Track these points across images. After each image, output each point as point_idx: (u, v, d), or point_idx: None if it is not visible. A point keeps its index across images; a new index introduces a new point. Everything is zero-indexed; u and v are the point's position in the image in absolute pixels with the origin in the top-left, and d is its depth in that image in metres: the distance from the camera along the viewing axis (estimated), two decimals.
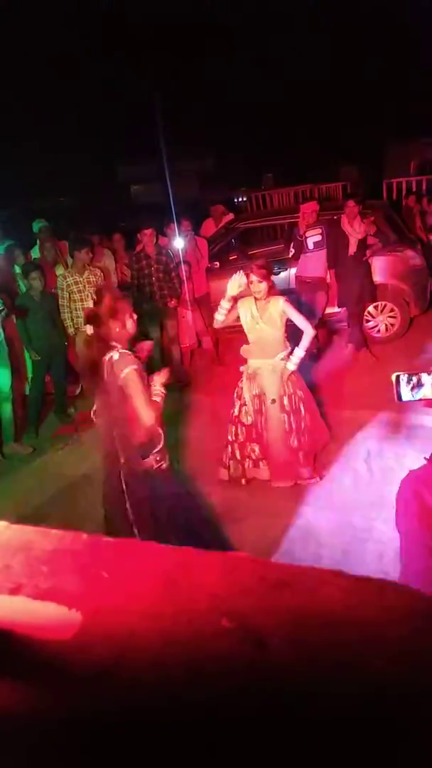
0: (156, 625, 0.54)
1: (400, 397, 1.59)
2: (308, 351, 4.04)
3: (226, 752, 0.45)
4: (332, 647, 0.51)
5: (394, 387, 1.58)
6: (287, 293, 6.64)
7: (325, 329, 6.86)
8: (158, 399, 2.72)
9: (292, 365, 3.93)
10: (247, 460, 4.14)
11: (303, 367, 4.19)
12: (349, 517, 3.67)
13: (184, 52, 20.83)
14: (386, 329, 6.64)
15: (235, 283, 3.78)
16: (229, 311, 3.91)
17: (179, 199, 12.75)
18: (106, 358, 2.62)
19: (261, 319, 3.90)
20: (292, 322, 3.98)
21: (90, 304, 5.59)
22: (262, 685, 0.49)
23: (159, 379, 2.79)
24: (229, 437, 4.18)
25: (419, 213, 7.99)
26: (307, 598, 0.56)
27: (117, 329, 2.65)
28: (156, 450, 2.80)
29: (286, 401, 4.00)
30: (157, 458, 2.81)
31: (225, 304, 3.88)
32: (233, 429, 4.16)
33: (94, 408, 2.85)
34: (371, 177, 14.38)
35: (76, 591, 0.59)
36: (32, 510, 4.24)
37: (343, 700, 0.47)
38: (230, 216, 8.28)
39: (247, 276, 3.79)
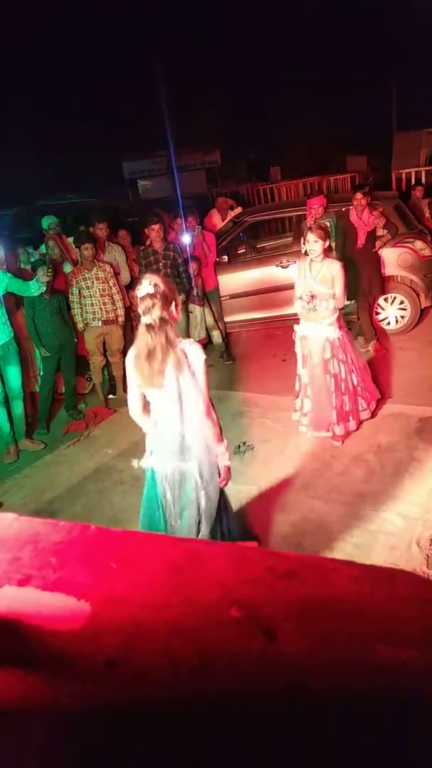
0: (164, 615, 0.54)
1: None
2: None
3: (235, 741, 0.44)
4: (342, 636, 0.50)
5: None
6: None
7: None
8: None
9: (315, 307, 4.22)
10: (298, 412, 4.61)
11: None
12: (360, 509, 3.65)
13: (190, 46, 20.74)
14: (396, 321, 6.59)
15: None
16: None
17: (187, 193, 12.74)
18: (180, 344, 2.58)
19: (315, 279, 4.18)
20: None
21: (99, 300, 5.63)
22: (271, 674, 0.49)
23: None
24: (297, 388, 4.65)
25: (428, 204, 7.91)
26: (316, 588, 0.55)
27: (173, 314, 2.63)
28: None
29: (330, 364, 4.31)
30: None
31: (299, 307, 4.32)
32: (297, 384, 4.63)
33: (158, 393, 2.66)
34: (380, 168, 14.26)
35: (85, 582, 0.59)
36: (44, 505, 4.27)
37: (353, 689, 0.46)
38: (239, 209, 8.25)
39: (304, 237, 4.18)
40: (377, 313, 6.55)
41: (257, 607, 0.54)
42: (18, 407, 5.19)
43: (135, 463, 2.94)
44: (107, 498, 4.26)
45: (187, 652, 0.50)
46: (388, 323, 6.61)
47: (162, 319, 2.55)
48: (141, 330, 2.61)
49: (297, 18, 21.02)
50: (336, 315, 4.30)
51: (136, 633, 0.52)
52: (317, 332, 4.31)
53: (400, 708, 0.45)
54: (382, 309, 6.57)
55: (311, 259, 4.21)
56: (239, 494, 3.99)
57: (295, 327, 4.48)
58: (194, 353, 2.60)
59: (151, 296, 2.53)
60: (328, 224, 6.23)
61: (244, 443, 4.65)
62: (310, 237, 4.13)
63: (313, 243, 4.13)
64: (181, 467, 2.74)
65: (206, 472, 2.73)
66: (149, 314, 2.55)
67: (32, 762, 0.47)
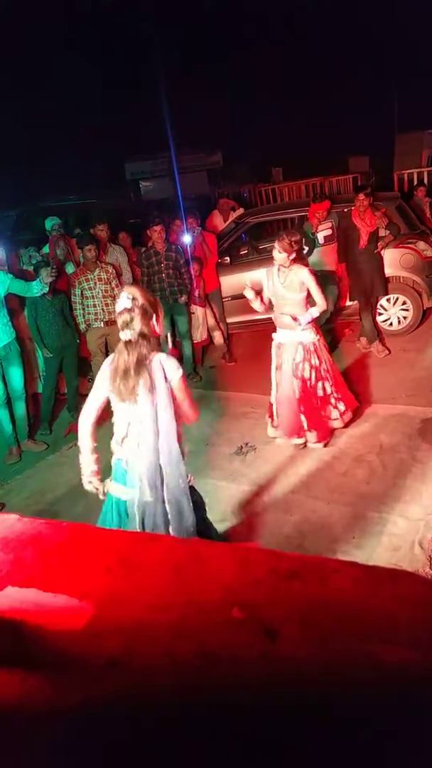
0: (166, 615, 0.54)
1: None
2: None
3: (237, 741, 0.44)
4: (344, 637, 0.50)
5: None
6: None
7: (337, 323, 6.82)
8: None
9: (301, 323, 4.18)
10: (273, 422, 4.53)
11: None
12: (362, 510, 3.65)
13: (191, 46, 20.77)
14: (399, 322, 6.58)
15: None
16: (259, 299, 4.28)
17: (189, 195, 12.74)
18: (153, 357, 2.48)
19: (282, 283, 4.20)
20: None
21: (101, 300, 5.63)
22: (273, 674, 0.49)
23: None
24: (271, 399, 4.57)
25: (430, 205, 7.90)
26: (319, 588, 0.55)
27: (155, 327, 2.53)
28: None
29: (299, 368, 4.27)
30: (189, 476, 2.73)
31: (249, 294, 4.27)
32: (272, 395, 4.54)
33: (129, 409, 2.55)
34: (382, 169, 14.25)
35: (87, 582, 0.59)
36: (46, 506, 4.27)
37: (355, 689, 0.46)
38: (241, 210, 8.26)
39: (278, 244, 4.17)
40: (379, 314, 6.54)
41: (259, 608, 0.54)
42: (20, 408, 5.19)
43: (98, 488, 2.77)
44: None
45: (190, 652, 0.50)
46: (391, 324, 6.60)
47: (141, 335, 2.43)
48: (119, 347, 2.50)
49: (299, 19, 21.04)
50: (307, 320, 4.23)
51: (138, 633, 0.52)
52: (292, 337, 4.28)
53: (402, 708, 0.45)
54: (385, 310, 6.56)
55: (279, 265, 4.20)
56: (241, 495, 3.99)
57: (273, 335, 4.42)
58: (170, 366, 2.50)
59: (129, 310, 2.41)
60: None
61: (246, 444, 4.65)
62: (276, 246, 4.13)
63: (277, 254, 4.13)
64: (155, 493, 2.57)
65: (174, 496, 2.60)
66: (128, 329, 2.43)
67: (34, 761, 0.47)
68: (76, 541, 0.67)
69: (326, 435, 4.43)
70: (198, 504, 2.85)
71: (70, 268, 6.02)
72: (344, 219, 6.05)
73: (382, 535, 3.40)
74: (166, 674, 0.49)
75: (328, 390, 4.38)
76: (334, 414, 4.44)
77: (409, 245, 6.40)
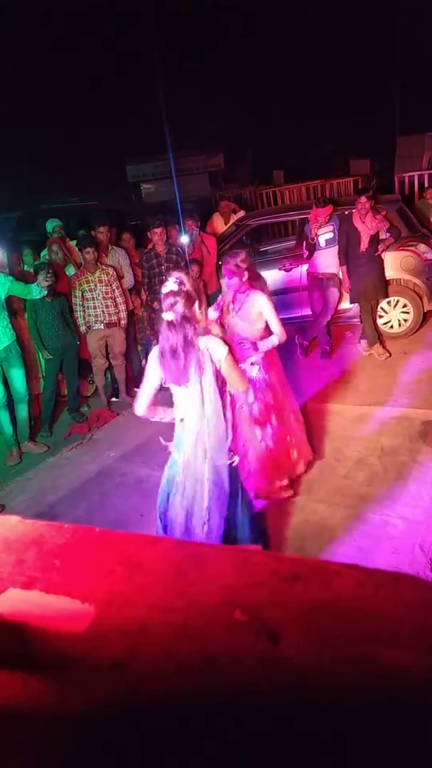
0: (168, 617, 0.54)
1: None
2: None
3: (238, 743, 0.44)
4: (346, 639, 0.50)
5: None
6: (299, 290, 6.64)
7: (338, 326, 6.83)
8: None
9: (260, 349, 3.72)
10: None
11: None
12: (363, 513, 3.65)
13: (191, 47, 20.82)
14: (399, 325, 6.58)
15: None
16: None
17: (189, 197, 12.76)
18: (201, 341, 2.60)
19: (236, 312, 3.72)
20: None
21: (102, 302, 5.64)
22: (275, 677, 0.49)
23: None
24: None
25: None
26: (320, 591, 0.55)
27: (197, 313, 2.64)
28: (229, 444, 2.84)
29: (254, 408, 3.77)
30: (232, 454, 2.85)
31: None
32: None
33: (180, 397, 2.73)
34: (383, 171, 14.28)
35: (89, 584, 0.59)
36: (46, 507, 4.27)
37: (356, 692, 0.46)
38: (241, 213, 8.27)
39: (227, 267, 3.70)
40: (380, 317, 6.54)
41: (261, 610, 0.54)
42: (23, 410, 5.20)
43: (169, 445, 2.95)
44: (109, 501, 4.27)
45: (192, 654, 0.50)
46: (391, 326, 6.61)
47: (183, 317, 2.56)
48: (162, 327, 2.64)
49: (300, 21, 21.09)
50: (261, 354, 3.73)
51: (140, 635, 0.53)
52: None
53: (403, 711, 0.45)
54: (385, 312, 6.57)
55: (231, 292, 3.74)
56: None
57: None
58: (216, 349, 2.62)
59: (174, 293, 2.55)
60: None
61: None
62: (222, 274, 3.73)
63: (228, 281, 3.68)
64: (197, 466, 2.77)
65: (212, 473, 2.77)
66: (171, 311, 2.57)
67: (35, 764, 0.47)
68: (78, 543, 0.67)
69: (288, 485, 3.91)
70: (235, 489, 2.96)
71: (70, 270, 6.02)
72: (345, 222, 6.06)
73: (382, 537, 3.40)
74: (169, 676, 0.49)
75: (282, 432, 3.90)
76: (293, 456, 4.01)
77: (410, 248, 6.40)
